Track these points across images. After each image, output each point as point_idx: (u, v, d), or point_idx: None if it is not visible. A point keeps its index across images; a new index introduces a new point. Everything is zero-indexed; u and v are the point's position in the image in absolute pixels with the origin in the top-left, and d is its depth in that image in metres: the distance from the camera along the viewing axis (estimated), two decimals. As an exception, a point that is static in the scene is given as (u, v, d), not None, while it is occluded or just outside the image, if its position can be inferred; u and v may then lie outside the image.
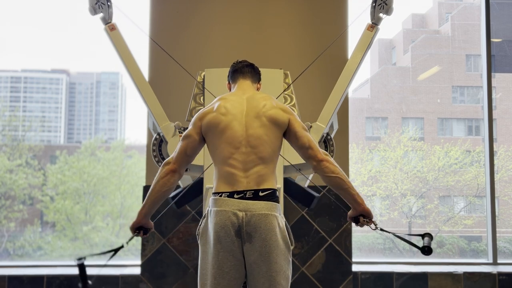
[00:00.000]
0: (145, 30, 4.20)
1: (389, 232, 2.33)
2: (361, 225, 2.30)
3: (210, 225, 2.23)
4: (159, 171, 2.30)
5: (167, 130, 3.22)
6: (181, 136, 3.19)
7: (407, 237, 2.37)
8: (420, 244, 2.19)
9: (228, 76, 2.57)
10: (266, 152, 2.26)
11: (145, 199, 2.30)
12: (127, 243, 2.32)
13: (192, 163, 2.44)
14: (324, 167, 2.22)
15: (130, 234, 2.36)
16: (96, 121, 10.59)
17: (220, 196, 2.23)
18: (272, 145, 2.29)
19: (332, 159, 2.26)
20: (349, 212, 2.33)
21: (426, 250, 2.16)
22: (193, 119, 2.37)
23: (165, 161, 2.31)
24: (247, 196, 2.21)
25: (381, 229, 2.28)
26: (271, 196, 2.25)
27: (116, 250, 2.28)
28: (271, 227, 2.19)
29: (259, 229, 2.17)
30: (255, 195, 2.22)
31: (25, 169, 6.57)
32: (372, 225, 2.27)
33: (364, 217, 2.27)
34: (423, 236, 2.21)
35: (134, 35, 3.44)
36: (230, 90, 2.57)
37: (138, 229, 2.33)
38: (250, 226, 2.17)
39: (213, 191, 2.29)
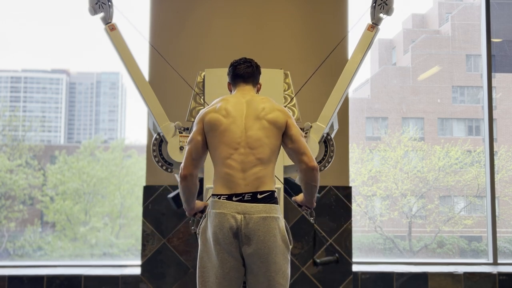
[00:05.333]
0: (145, 30, 4.20)
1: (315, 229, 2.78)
2: (302, 210, 2.61)
3: (209, 227, 2.26)
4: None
5: (167, 130, 3.22)
6: (181, 136, 3.20)
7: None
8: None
9: (228, 74, 2.56)
10: (265, 153, 2.28)
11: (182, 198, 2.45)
12: (194, 230, 2.54)
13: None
14: (312, 175, 2.32)
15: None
16: (96, 121, 10.59)
17: (219, 198, 2.25)
18: (272, 146, 2.30)
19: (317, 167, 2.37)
20: (299, 199, 2.53)
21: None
22: (195, 120, 2.39)
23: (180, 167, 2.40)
24: (245, 198, 2.23)
25: (314, 223, 2.68)
26: (270, 198, 2.26)
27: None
28: (269, 229, 2.21)
29: (257, 231, 2.19)
30: (254, 198, 2.23)
31: (25, 169, 6.57)
32: (311, 219, 2.63)
33: (307, 207, 2.56)
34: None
35: (134, 35, 3.44)
36: (230, 90, 2.58)
37: (195, 214, 2.51)
38: (249, 229, 2.19)
39: (212, 193, 2.31)
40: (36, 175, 6.73)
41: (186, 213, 2.50)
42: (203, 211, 2.51)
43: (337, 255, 3.09)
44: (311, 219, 2.62)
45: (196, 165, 2.34)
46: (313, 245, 2.97)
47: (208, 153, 2.39)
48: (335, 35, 4.04)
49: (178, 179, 2.39)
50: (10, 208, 6.33)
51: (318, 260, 2.78)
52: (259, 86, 2.58)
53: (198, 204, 2.48)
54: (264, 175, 2.27)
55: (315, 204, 2.50)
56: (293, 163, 2.98)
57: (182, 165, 2.34)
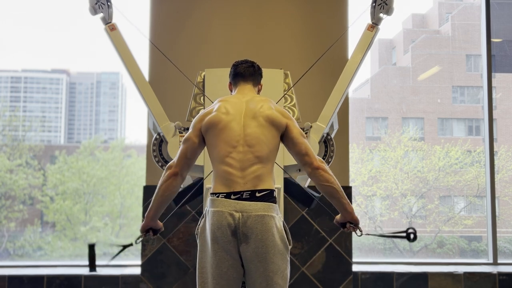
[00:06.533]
0: (145, 30, 4.20)
1: (375, 235, 2.37)
2: (347, 230, 2.37)
3: (208, 225, 2.24)
4: (162, 174, 2.34)
5: (167, 130, 3.22)
6: (181, 136, 3.20)
7: (391, 234, 2.44)
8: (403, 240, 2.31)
9: (229, 75, 2.56)
10: (263, 151, 2.27)
11: (151, 203, 2.36)
12: (136, 242, 2.40)
13: (192, 163, 2.43)
14: (319, 175, 2.25)
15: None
16: (96, 121, 10.60)
17: (217, 196, 2.24)
18: (270, 144, 2.29)
19: (327, 167, 2.28)
20: (338, 217, 2.39)
21: (411, 236, 2.26)
22: (193, 122, 2.38)
23: (168, 165, 2.35)
24: (243, 196, 2.22)
25: (367, 234, 2.35)
26: (268, 196, 2.25)
27: (124, 247, 2.41)
28: (267, 227, 2.19)
29: (255, 230, 2.18)
30: (252, 196, 2.22)
31: (25, 169, 6.57)
32: (358, 232, 2.34)
33: (351, 223, 2.34)
34: (407, 231, 2.29)
35: (134, 35, 3.44)
36: (230, 90, 2.58)
37: (147, 230, 2.43)
38: (246, 227, 2.18)
39: (210, 191, 2.30)
40: (36, 175, 6.73)
41: (142, 225, 2.42)
42: (156, 232, 2.47)
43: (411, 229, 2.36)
44: (359, 234, 2.34)
45: (189, 165, 2.33)
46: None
47: (208, 153, 2.38)
48: (335, 35, 4.04)
49: (163, 177, 2.31)
50: (10, 208, 6.33)
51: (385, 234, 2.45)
52: (259, 87, 2.58)
53: (159, 224, 2.46)
54: (263, 174, 2.26)
55: (356, 217, 2.31)
56: (292, 164, 3.01)
57: (173, 162, 2.31)
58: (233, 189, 2.23)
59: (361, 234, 2.33)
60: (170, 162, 2.34)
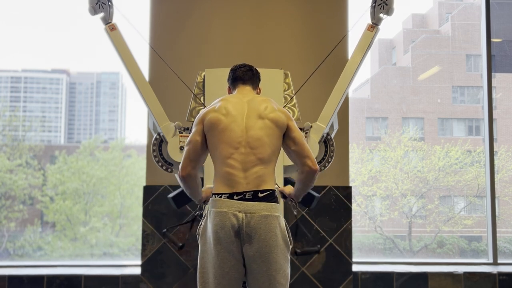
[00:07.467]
0: (145, 30, 4.20)
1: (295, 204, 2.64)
2: (286, 201, 2.66)
3: (210, 226, 2.25)
4: None
5: (167, 130, 3.22)
6: (181, 136, 3.21)
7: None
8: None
9: (228, 79, 2.58)
10: (266, 153, 2.28)
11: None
12: (196, 214, 2.69)
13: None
14: (313, 177, 2.36)
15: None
16: (96, 121, 10.60)
17: (220, 197, 2.25)
18: (273, 146, 2.31)
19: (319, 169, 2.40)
20: (286, 190, 2.57)
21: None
22: (194, 121, 2.39)
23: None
24: (246, 197, 2.23)
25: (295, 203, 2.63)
26: (271, 196, 2.27)
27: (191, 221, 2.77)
28: (271, 227, 2.21)
29: (259, 230, 2.19)
30: (255, 196, 2.24)
31: (25, 169, 6.57)
32: (294, 207, 2.64)
33: (292, 200, 2.60)
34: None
35: (134, 34, 3.44)
36: (229, 94, 2.58)
37: (204, 202, 2.55)
38: (250, 227, 2.19)
39: (212, 192, 2.31)
40: (36, 175, 6.73)
41: (198, 201, 2.53)
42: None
43: (319, 246, 3.05)
44: (294, 211, 2.68)
45: (194, 166, 2.34)
46: (295, 235, 2.86)
47: (208, 153, 2.39)
48: (335, 35, 4.04)
49: (178, 178, 2.39)
50: (10, 208, 6.33)
51: (298, 250, 2.90)
52: (258, 91, 2.59)
53: (206, 192, 2.50)
54: (265, 174, 2.27)
55: (300, 199, 2.57)
56: (292, 163, 3.01)
57: (180, 166, 2.35)
58: (235, 189, 2.24)
59: (295, 209, 2.64)
60: (179, 166, 2.38)
